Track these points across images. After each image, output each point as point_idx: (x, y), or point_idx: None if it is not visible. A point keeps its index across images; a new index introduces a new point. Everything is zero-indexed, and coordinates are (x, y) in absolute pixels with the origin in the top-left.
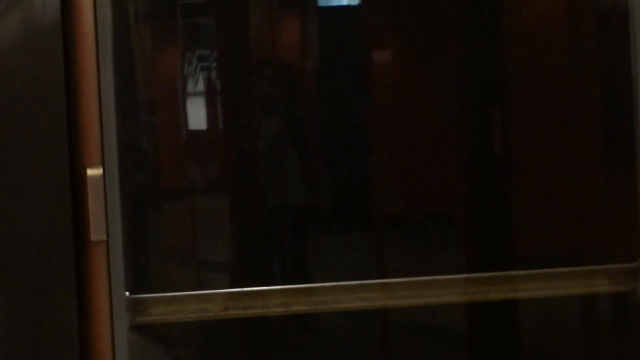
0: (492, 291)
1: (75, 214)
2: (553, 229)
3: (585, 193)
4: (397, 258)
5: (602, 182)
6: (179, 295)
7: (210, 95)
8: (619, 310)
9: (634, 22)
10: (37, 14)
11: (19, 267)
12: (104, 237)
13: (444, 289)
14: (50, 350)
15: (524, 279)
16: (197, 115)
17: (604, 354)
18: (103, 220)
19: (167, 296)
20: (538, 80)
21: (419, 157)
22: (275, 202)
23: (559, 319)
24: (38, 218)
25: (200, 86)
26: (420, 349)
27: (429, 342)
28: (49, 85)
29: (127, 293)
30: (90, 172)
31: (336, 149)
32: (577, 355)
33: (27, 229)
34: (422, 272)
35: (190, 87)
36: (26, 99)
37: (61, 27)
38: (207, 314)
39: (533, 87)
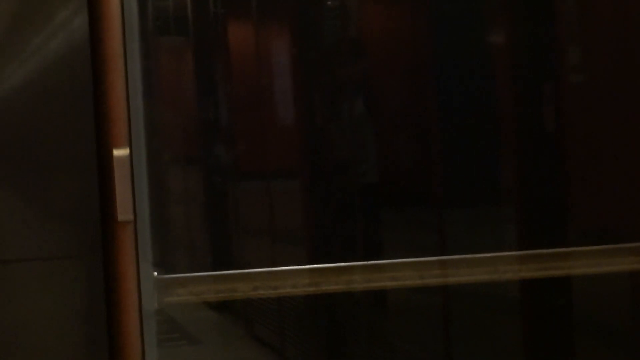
0: (523, 270)
1: (103, 194)
2: (604, 205)
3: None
4: (455, 236)
5: None
6: (207, 275)
7: (250, 78)
8: None
9: None
10: None
11: (47, 247)
12: (131, 218)
13: (474, 268)
14: (78, 330)
15: (557, 257)
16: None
17: None
18: (130, 201)
19: (195, 276)
20: (595, 59)
21: (481, 138)
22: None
23: (613, 294)
24: (66, 198)
25: (244, 67)
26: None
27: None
28: (76, 66)
29: (155, 273)
30: (116, 152)
31: (401, 132)
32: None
33: (55, 209)
34: (471, 250)
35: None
36: (53, 80)
37: (87, 6)
38: (236, 293)
39: (588, 66)
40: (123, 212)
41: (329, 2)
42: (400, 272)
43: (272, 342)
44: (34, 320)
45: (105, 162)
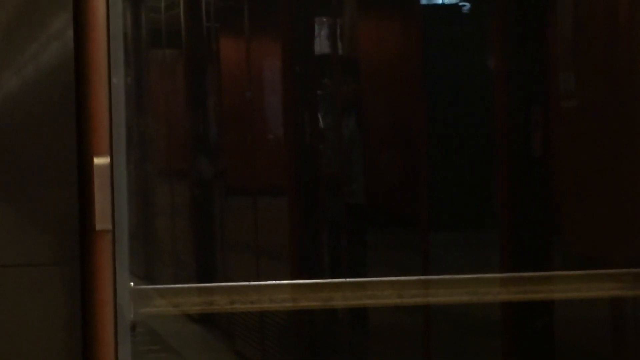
0: (503, 292)
1: (83, 202)
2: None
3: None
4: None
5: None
6: (184, 288)
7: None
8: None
9: None
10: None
11: (25, 254)
12: (109, 227)
13: (454, 289)
14: (53, 339)
15: (537, 280)
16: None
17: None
18: (109, 210)
19: (172, 288)
20: (583, 84)
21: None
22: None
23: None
24: (45, 205)
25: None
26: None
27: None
28: (59, 74)
29: (131, 284)
30: (97, 161)
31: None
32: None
33: (33, 216)
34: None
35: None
36: (36, 88)
37: (73, 16)
38: (213, 306)
39: (576, 92)
40: (101, 221)
41: (324, 19)
42: (380, 290)
43: (254, 357)
44: (9, 326)
45: (85, 170)
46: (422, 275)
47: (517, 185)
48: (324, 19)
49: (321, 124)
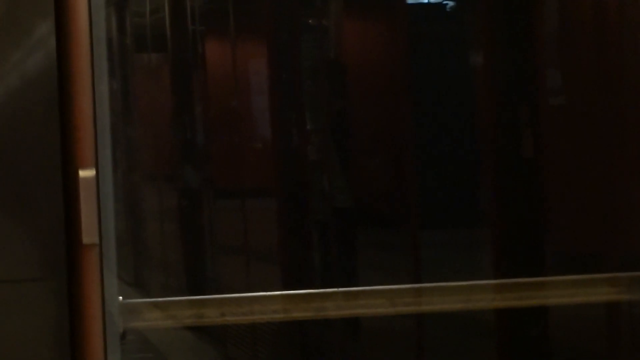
0: (497, 299)
1: (69, 215)
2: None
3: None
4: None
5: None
6: (173, 301)
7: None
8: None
9: None
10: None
11: (11, 269)
12: (96, 240)
13: (447, 296)
14: (41, 355)
15: (531, 286)
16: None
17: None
18: (96, 223)
19: (161, 301)
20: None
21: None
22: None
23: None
24: (31, 219)
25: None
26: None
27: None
28: (42, 85)
29: (120, 298)
30: (82, 173)
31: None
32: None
33: (19, 230)
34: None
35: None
36: (19, 99)
37: (55, 23)
38: (203, 319)
39: (564, 91)
40: (88, 234)
41: (310, 21)
42: (373, 299)
43: None
44: None
45: (71, 182)
46: (414, 279)
47: (507, 185)
48: (310, 20)
49: (309, 125)
